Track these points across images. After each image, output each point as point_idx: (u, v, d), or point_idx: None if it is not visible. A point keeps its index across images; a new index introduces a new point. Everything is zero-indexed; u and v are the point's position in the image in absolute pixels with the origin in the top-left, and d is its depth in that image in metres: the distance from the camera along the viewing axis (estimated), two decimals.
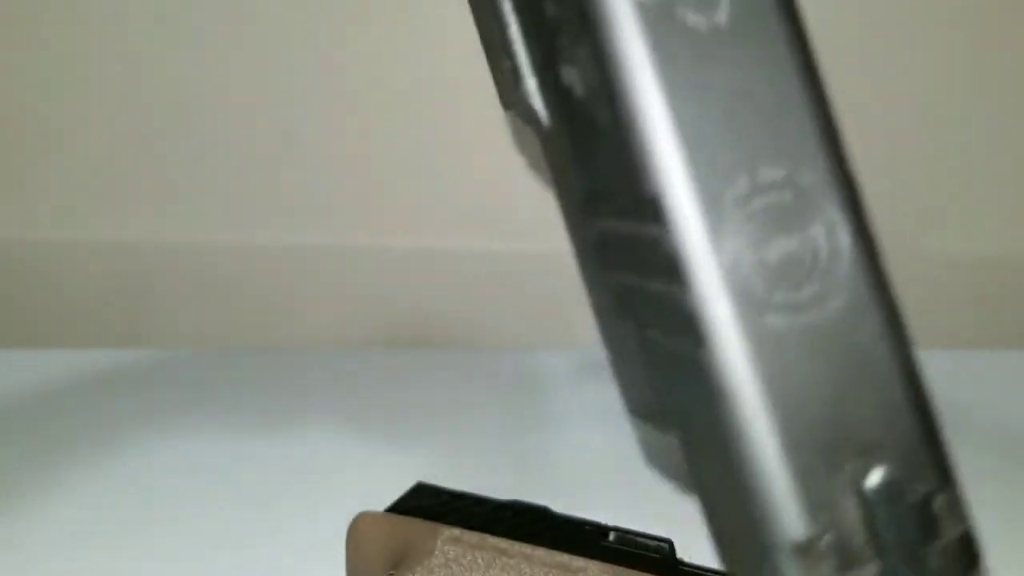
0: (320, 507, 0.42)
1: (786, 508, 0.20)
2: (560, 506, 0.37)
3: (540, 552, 0.33)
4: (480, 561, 0.32)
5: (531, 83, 0.25)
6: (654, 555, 0.35)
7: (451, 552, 0.33)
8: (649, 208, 0.20)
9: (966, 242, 0.56)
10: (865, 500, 0.20)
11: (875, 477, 0.20)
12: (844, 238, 0.21)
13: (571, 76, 0.22)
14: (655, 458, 0.28)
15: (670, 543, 0.36)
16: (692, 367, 0.20)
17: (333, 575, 0.37)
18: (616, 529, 0.36)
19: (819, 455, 0.20)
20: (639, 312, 0.23)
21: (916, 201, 0.55)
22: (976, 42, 0.52)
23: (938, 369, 0.53)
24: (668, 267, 0.20)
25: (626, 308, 0.23)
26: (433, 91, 0.54)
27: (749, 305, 0.20)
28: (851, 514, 0.20)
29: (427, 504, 0.36)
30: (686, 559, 0.35)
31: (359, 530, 0.35)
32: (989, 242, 0.56)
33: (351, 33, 0.53)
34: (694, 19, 0.19)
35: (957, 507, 0.21)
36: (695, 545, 0.36)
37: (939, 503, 0.21)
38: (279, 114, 0.55)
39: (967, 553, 0.21)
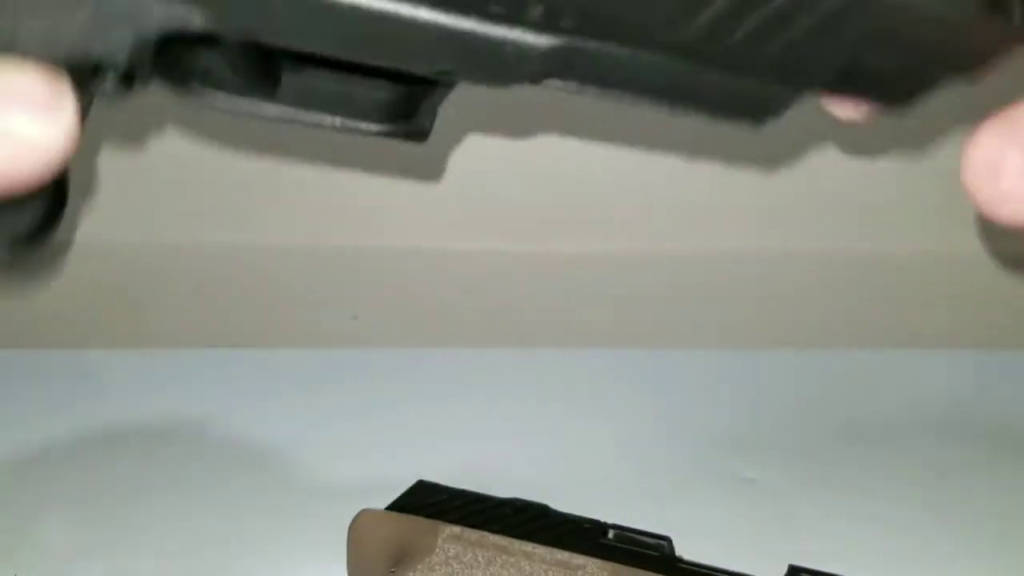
0: (321, 504, 0.42)
1: None
2: (560, 505, 0.37)
3: (540, 550, 0.33)
4: (480, 559, 0.32)
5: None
6: (653, 552, 0.35)
7: (451, 550, 0.33)
8: None
9: (966, 242, 0.56)
10: None
11: None
12: None
13: None
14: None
15: (669, 540, 0.36)
16: None
17: (335, 572, 0.37)
18: (615, 527, 0.36)
19: None
20: (796, 22, 0.24)
21: (914, 200, 0.55)
22: None
23: (938, 369, 0.53)
24: None
25: (768, 41, 0.25)
26: None
27: None
28: None
29: (428, 501, 0.36)
30: (685, 557, 0.36)
31: (360, 527, 0.35)
32: (989, 241, 0.56)
33: None
34: None
35: None
36: (694, 543, 0.36)
37: None
38: None
39: None
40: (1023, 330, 0.57)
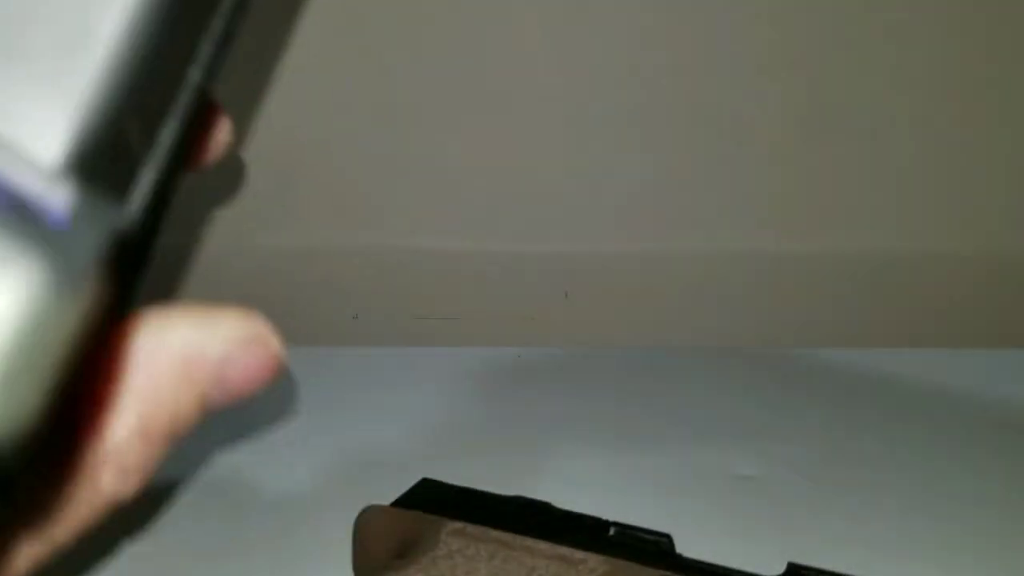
0: (325, 501, 0.42)
1: None
2: (562, 503, 0.37)
3: (542, 545, 0.33)
4: (483, 552, 0.33)
5: None
6: (654, 549, 0.35)
7: (455, 544, 0.33)
8: None
9: (966, 242, 0.56)
10: None
11: None
12: None
13: None
14: None
15: (669, 537, 0.36)
16: None
17: (339, 567, 0.37)
18: (616, 524, 0.36)
19: None
20: None
21: (914, 200, 0.56)
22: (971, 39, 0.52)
23: (937, 368, 0.54)
24: None
25: None
26: (437, 93, 0.54)
27: None
28: None
29: (431, 498, 0.37)
30: (685, 554, 0.36)
31: (365, 523, 0.36)
32: (988, 241, 0.56)
33: (354, 35, 0.54)
34: None
35: None
36: (695, 541, 0.36)
37: None
38: (283, 114, 0.55)
39: None
40: (1022, 329, 0.57)
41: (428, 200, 0.57)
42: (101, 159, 0.13)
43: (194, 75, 0.16)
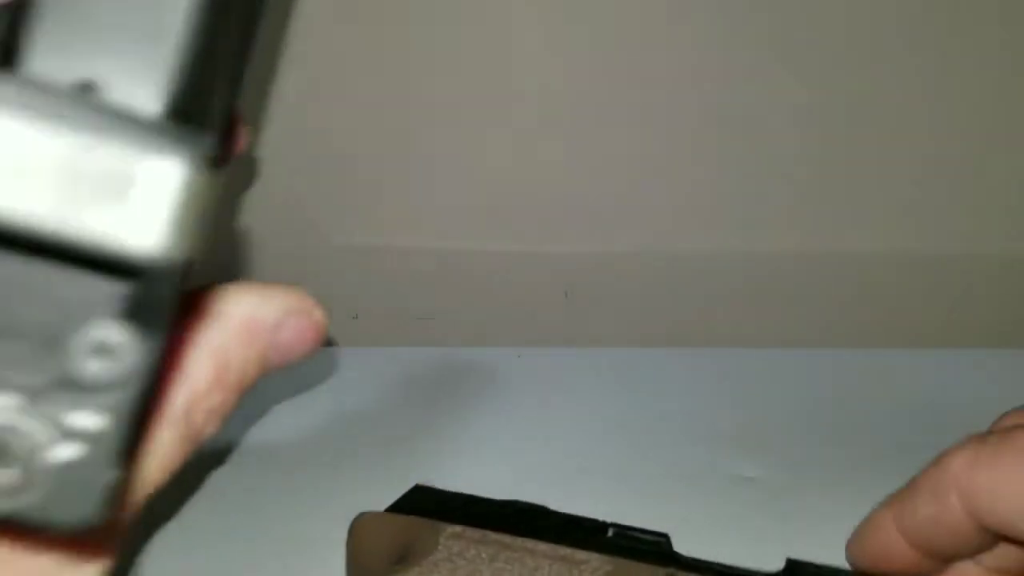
0: (319, 506, 0.42)
1: None
2: (559, 506, 0.37)
3: (543, 546, 0.33)
4: (484, 555, 0.33)
5: None
6: (653, 550, 0.35)
7: (455, 547, 0.33)
8: None
9: (967, 242, 0.56)
10: None
11: None
12: None
13: None
14: None
15: (667, 537, 0.36)
16: None
17: (333, 574, 0.37)
18: (615, 525, 0.36)
19: None
20: None
21: (914, 199, 0.56)
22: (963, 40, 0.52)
23: (938, 369, 0.53)
24: None
25: None
26: (436, 91, 0.54)
27: None
28: None
29: (426, 505, 0.36)
30: (683, 554, 0.36)
31: (360, 530, 0.35)
32: (989, 241, 0.56)
33: (355, 34, 0.54)
34: None
35: None
36: (695, 542, 0.36)
37: None
38: (283, 114, 0.55)
39: None
40: (1022, 329, 0.57)
41: (428, 200, 0.57)
42: (186, 110, 0.17)
43: (240, 62, 0.20)
